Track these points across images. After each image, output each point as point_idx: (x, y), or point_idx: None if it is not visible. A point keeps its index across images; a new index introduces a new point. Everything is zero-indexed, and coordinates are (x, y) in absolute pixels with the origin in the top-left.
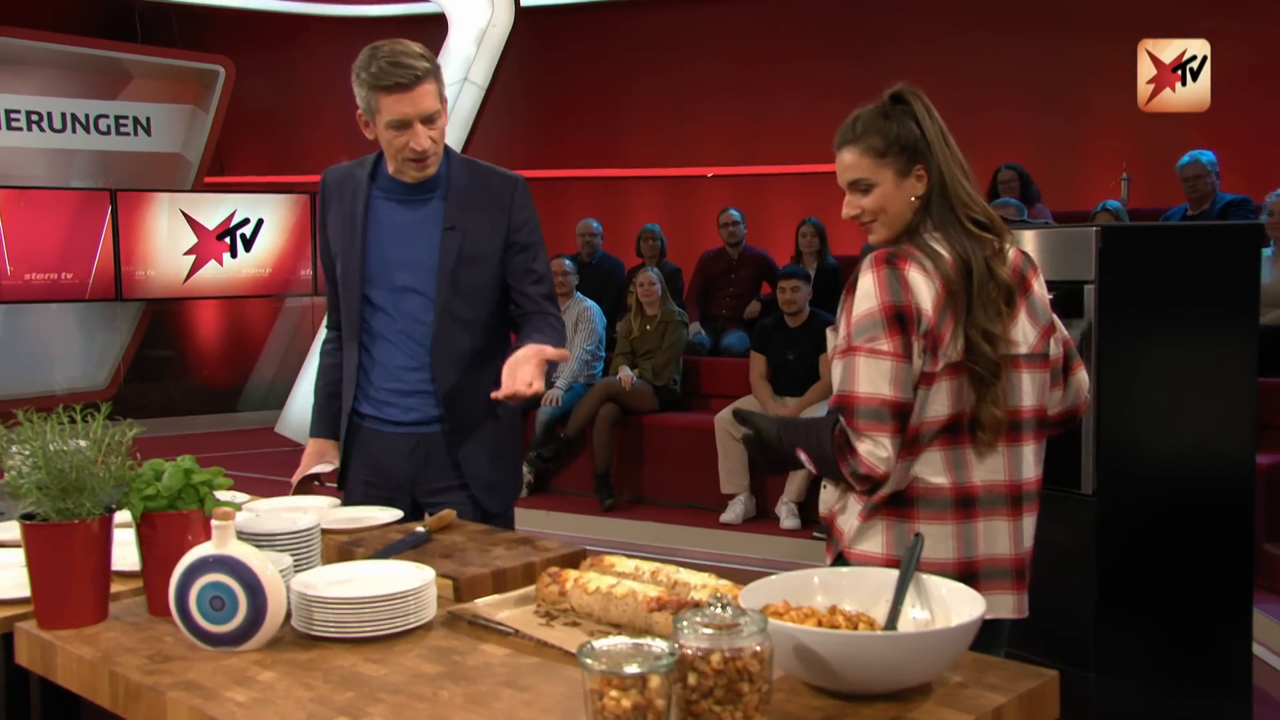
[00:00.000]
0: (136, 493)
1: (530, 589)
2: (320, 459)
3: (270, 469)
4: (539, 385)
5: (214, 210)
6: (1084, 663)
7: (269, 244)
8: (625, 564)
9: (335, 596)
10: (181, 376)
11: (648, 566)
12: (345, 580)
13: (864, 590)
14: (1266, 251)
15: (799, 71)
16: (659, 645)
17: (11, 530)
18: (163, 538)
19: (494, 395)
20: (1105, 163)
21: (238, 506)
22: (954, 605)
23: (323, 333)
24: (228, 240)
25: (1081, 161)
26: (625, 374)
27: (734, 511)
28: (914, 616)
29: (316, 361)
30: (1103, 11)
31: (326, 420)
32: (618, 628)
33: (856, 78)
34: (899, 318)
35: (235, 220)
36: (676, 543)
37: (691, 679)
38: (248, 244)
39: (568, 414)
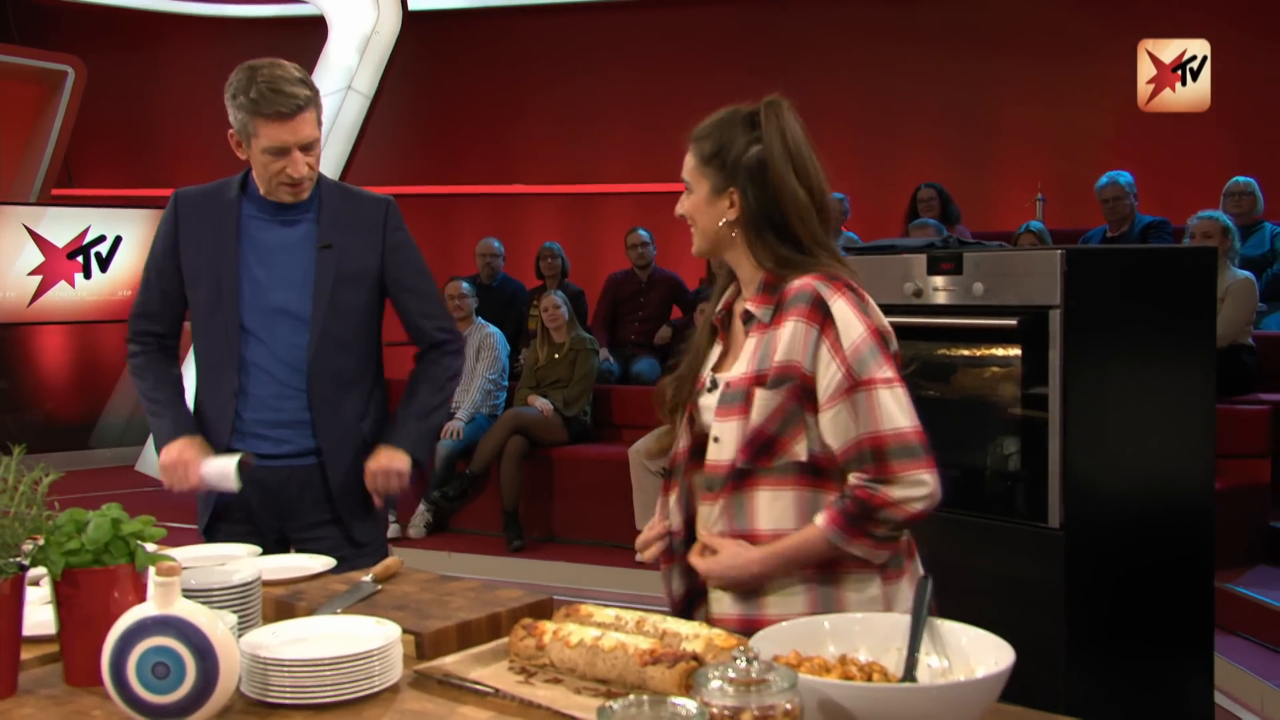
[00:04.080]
0: (55, 547)
1: (500, 643)
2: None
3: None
4: (390, 481)
5: (64, 226)
6: (1054, 706)
7: (128, 264)
8: (604, 613)
9: (292, 658)
10: (21, 410)
11: (630, 616)
12: (300, 639)
13: (874, 637)
14: None
15: (705, 84)
16: (685, 705)
17: None
18: (86, 597)
19: (369, 486)
20: (1017, 182)
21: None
22: (974, 653)
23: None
24: (80, 260)
25: (993, 181)
26: (544, 404)
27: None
28: (930, 664)
29: (136, 382)
30: (1019, 26)
31: (186, 418)
32: (604, 683)
33: (766, 91)
34: (885, 340)
35: (89, 237)
36: (589, 583)
37: None
38: (104, 263)
39: (470, 448)
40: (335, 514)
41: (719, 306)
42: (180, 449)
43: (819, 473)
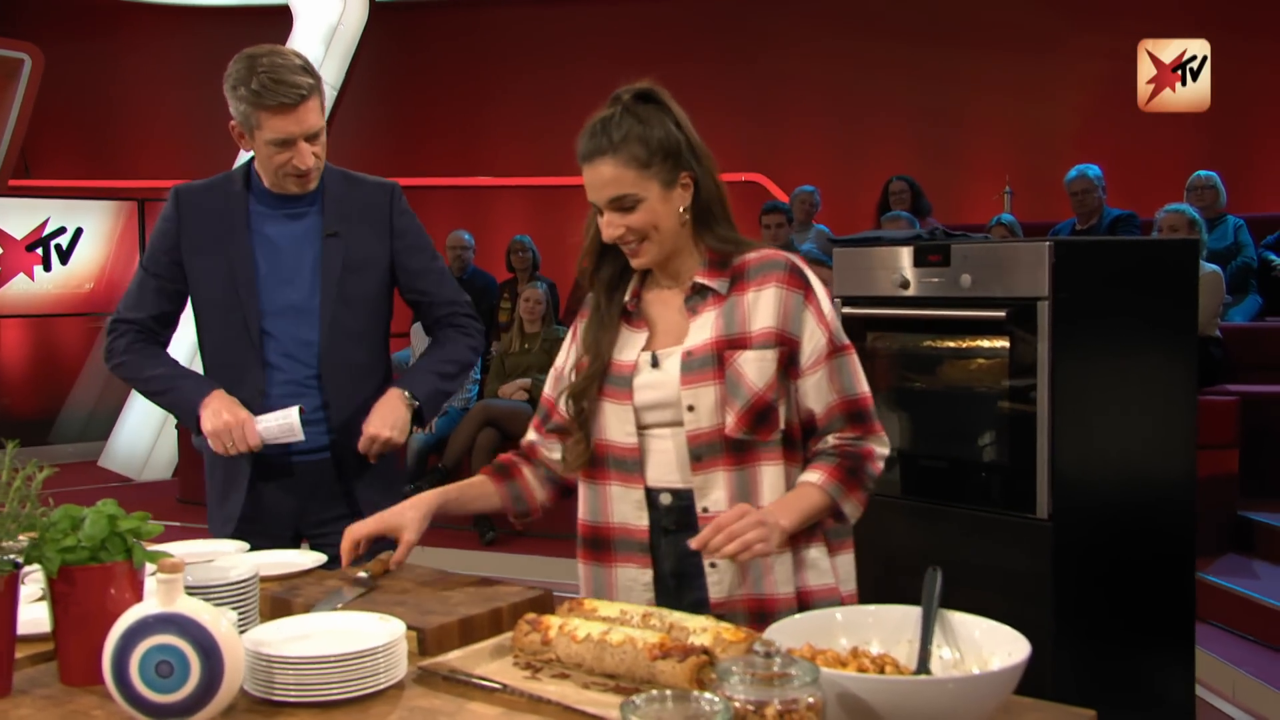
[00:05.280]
0: (51, 544)
1: (504, 638)
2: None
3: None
4: (392, 434)
5: (22, 218)
6: (1041, 695)
7: (90, 256)
8: (609, 608)
9: (297, 655)
10: None
11: (635, 610)
12: (303, 636)
13: (885, 630)
14: None
15: (673, 75)
16: (710, 699)
17: None
18: (82, 595)
19: (360, 447)
20: (984, 175)
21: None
22: (987, 645)
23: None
24: (40, 252)
25: (960, 174)
26: (511, 388)
27: None
28: (942, 657)
29: (128, 367)
30: (989, 20)
31: (206, 380)
32: (613, 678)
33: (735, 81)
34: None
35: (49, 229)
36: (563, 576)
37: None
38: (64, 256)
39: (442, 441)
40: (353, 509)
41: (628, 295)
42: (228, 409)
43: (792, 444)
